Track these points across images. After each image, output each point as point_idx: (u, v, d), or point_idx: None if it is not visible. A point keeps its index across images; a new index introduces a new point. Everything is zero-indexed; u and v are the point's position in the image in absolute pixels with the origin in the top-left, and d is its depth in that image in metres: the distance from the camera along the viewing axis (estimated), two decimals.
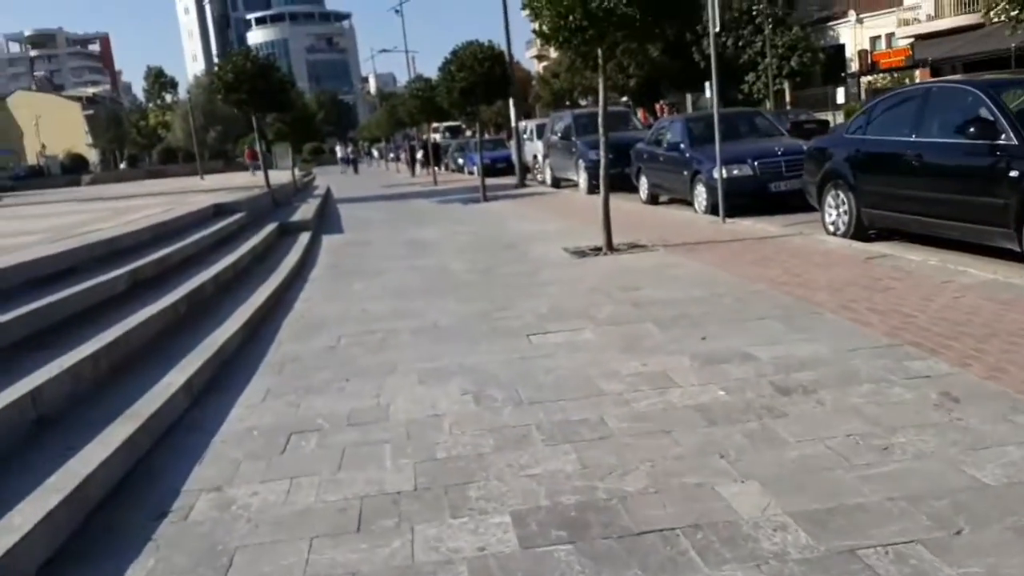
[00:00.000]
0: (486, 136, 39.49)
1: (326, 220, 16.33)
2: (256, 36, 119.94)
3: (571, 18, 7.62)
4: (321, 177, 36.11)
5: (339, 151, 55.99)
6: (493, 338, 5.52)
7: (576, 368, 4.67)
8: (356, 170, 46.00)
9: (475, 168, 23.80)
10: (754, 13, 39.69)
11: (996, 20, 25.78)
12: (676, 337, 5.15)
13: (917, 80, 33.66)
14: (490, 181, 21.02)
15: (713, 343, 4.94)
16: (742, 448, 3.38)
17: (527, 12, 8.32)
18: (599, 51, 8.21)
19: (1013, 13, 23.96)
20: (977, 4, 27.59)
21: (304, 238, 11.64)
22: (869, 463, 3.14)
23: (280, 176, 25.78)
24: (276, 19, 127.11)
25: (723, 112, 11.03)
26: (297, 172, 28.48)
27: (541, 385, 4.40)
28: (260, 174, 22.24)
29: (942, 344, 4.53)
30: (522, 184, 22.59)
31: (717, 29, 10.05)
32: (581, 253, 8.82)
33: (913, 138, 7.59)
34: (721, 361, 4.56)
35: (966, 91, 7.38)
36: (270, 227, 12.03)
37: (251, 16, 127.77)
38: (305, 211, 15.61)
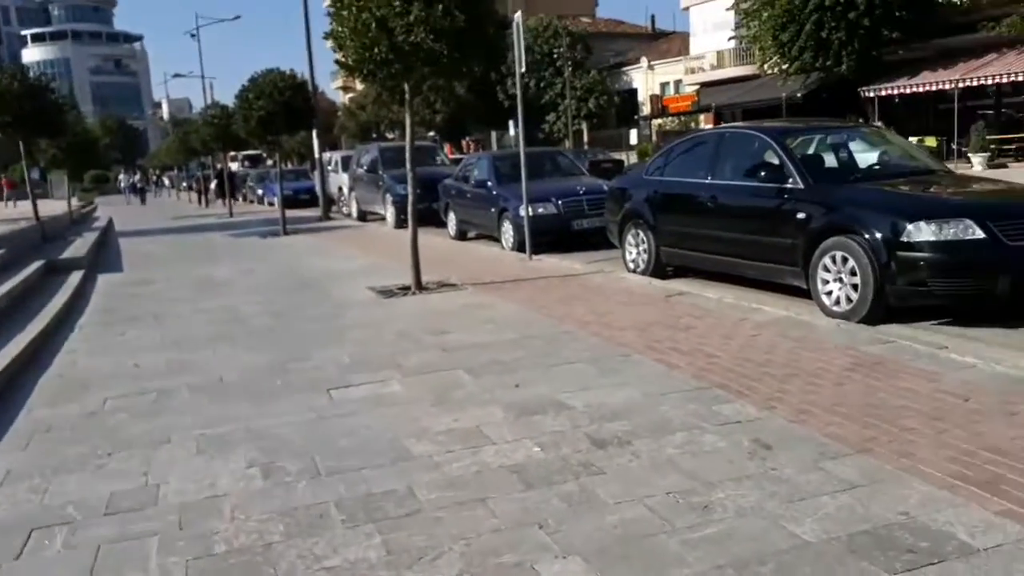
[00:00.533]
0: (288, 166, 38.17)
1: (104, 256, 14.82)
2: (33, 54, 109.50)
3: (376, 51, 7.27)
4: (104, 208, 33.30)
5: (123, 179, 51.71)
6: (287, 395, 4.98)
7: (382, 428, 4.25)
8: (144, 200, 42.84)
9: (275, 199, 22.74)
10: (555, 56, 41.31)
11: (769, 72, 28.38)
12: (489, 385, 4.88)
13: (703, 123, 36.33)
14: (292, 213, 20.13)
15: (527, 390, 4.71)
16: (561, 515, 3.11)
17: (331, 43, 7.88)
18: (406, 86, 7.91)
19: (784, 66, 26.44)
20: (754, 57, 30.23)
21: (75, 278, 10.38)
22: (691, 525, 2.97)
23: (54, 207, 23.36)
24: (56, 36, 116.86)
25: (528, 151, 11.09)
26: (75, 202, 25.96)
27: (342, 451, 3.94)
28: (21, 205, 19.96)
29: (747, 386, 4.55)
30: (326, 217, 21.83)
31: (523, 69, 10.09)
32: (388, 292, 8.41)
33: (708, 180, 7.88)
34: (535, 412, 4.33)
35: (756, 137, 7.77)
36: (35, 265, 10.66)
37: (27, 32, 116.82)
38: (79, 246, 14.10)
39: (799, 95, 27.66)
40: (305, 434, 4.21)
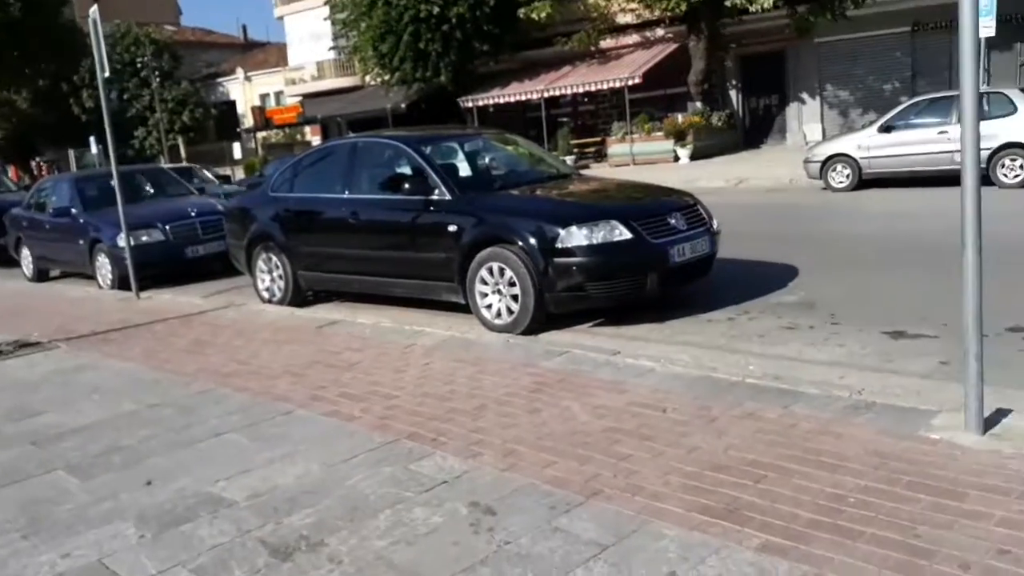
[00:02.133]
0: None
1: None
2: None
3: None
4: None
5: None
6: None
7: None
8: None
9: None
10: (139, 65, 37.49)
11: (372, 83, 28.48)
12: (107, 488, 3.61)
13: (309, 136, 35.52)
14: None
15: (164, 487, 3.56)
16: None
17: None
18: None
19: (386, 77, 26.67)
20: (355, 68, 30.11)
21: None
22: None
23: None
24: None
25: (123, 170, 9.38)
26: None
27: None
28: None
29: (439, 430, 3.92)
30: None
31: (106, 73, 8.40)
32: None
33: (346, 195, 7.14)
34: (183, 519, 3.22)
35: (392, 146, 7.22)
36: None
37: None
38: None
39: (403, 105, 28.15)
40: None
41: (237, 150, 34.98)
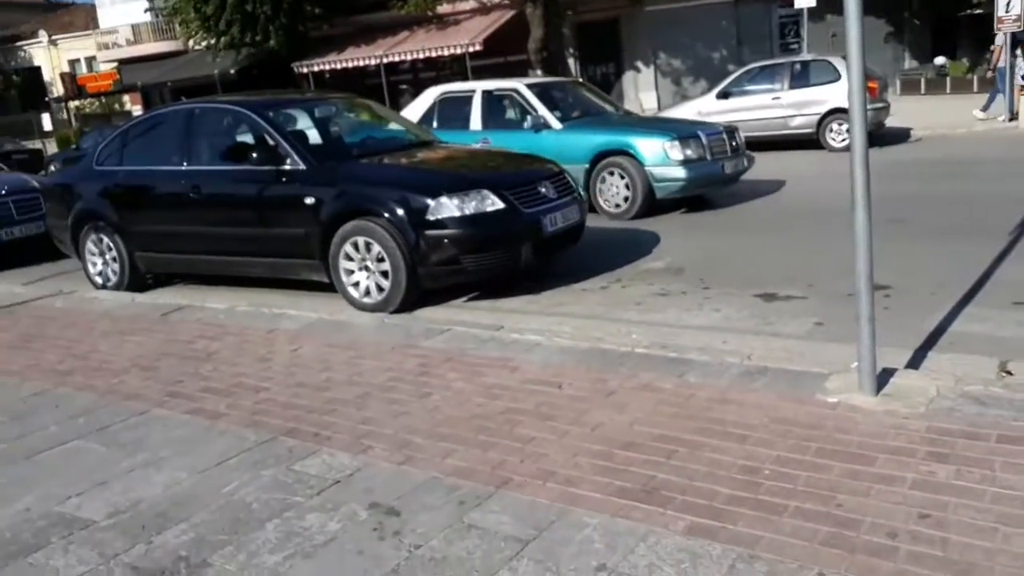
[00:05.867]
0: None
1: None
2: None
3: None
4: None
5: None
6: None
7: None
8: None
9: None
10: None
11: (196, 47, 26.65)
12: None
13: (128, 105, 32.90)
14: None
15: (4, 510, 3.05)
16: None
17: None
18: None
19: (211, 41, 25.02)
20: (176, 32, 28.04)
21: None
22: None
23: None
24: None
25: None
26: None
27: None
28: None
29: (321, 423, 3.60)
30: None
31: None
32: None
33: (186, 166, 6.51)
34: (31, 547, 2.76)
35: (235, 112, 6.62)
36: None
37: None
38: None
39: (232, 71, 26.52)
40: None
41: (47, 121, 31.81)
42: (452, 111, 9.74)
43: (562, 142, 8.56)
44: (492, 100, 9.53)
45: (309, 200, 5.81)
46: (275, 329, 5.20)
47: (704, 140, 8.44)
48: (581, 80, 19.22)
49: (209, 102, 7.43)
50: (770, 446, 2.97)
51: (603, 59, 24.98)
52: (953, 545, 2.29)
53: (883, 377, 3.37)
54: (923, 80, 20.71)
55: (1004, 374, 3.59)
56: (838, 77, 12.46)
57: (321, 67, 25.72)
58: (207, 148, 6.60)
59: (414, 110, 10.15)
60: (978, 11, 20.06)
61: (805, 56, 14.56)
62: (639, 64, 24.41)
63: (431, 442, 3.31)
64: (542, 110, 8.91)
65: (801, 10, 16.68)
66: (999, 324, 4.36)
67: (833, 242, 5.67)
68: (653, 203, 8.32)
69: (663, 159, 8.20)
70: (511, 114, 9.56)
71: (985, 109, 14.40)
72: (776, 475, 2.77)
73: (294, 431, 3.55)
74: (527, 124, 8.80)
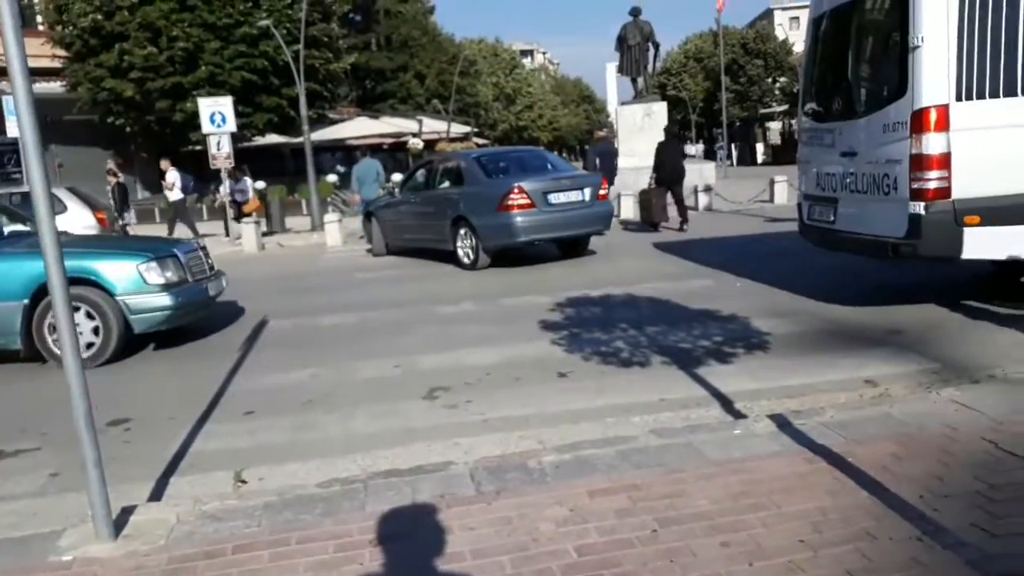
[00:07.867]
0: None
1: None
2: None
3: None
4: None
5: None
6: None
7: None
8: None
9: None
10: None
11: None
12: None
13: None
14: None
15: None
16: None
17: None
18: None
19: None
20: None
21: None
22: None
23: None
24: None
25: None
26: None
27: None
28: None
29: None
30: None
31: None
32: None
33: None
34: None
35: None
36: None
37: None
38: None
39: None
40: None
41: None
42: None
43: None
44: None
45: None
46: None
47: (183, 259, 7.13)
48: None
49: None
50: None
51: None
52: None
53: (122, 517, 3.24)
54: (156, 209, 21.59)
55: (239, 484, 3.84)
56: (64, 208, 12.09)
57: None
58: None
59: None
60: (198, 147, 21.95)
61: (26, 188, 13.73)
62: None
63: None
64: None
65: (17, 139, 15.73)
66: (234, 436, 4.63)
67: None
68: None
69: (139, 285, 6.71)
70: None
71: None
72: None
73: None
74: None
